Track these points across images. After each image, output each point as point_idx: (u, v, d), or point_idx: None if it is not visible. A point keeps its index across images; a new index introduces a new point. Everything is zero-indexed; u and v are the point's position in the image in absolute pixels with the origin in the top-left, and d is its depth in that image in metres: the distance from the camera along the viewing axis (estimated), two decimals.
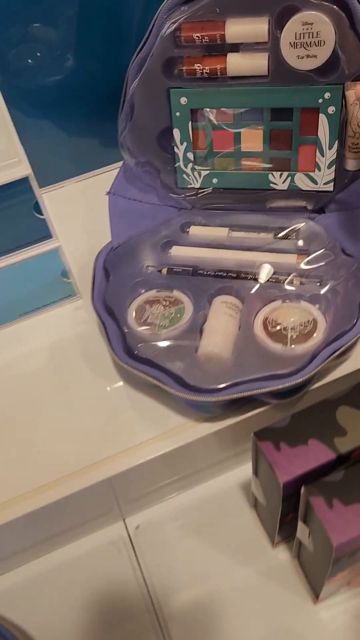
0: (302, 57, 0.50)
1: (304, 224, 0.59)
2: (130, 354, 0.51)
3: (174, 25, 0.50)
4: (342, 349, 0.48)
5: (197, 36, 0.51)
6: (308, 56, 0.49)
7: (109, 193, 0.61)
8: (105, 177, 0.74)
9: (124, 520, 0.55)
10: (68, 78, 0.69)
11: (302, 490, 0.37)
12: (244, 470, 0.56)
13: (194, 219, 0.61)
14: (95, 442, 0.50)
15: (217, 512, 0.54)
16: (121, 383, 0.54)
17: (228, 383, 0.47)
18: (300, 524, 0.41)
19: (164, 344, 0.51)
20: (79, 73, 0.69)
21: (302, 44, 0.49)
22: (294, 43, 0.49)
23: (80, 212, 0.70)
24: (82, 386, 0.54)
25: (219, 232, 0.60)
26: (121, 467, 0.48)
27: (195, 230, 0.60)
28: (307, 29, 0.48)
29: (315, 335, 0.49)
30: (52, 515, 0.49)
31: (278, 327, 0.51)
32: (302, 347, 0.49)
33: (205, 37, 0.51)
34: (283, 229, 0.58)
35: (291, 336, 0.50)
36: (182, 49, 0.52)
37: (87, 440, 0.51)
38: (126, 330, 0.52)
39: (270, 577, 0.50)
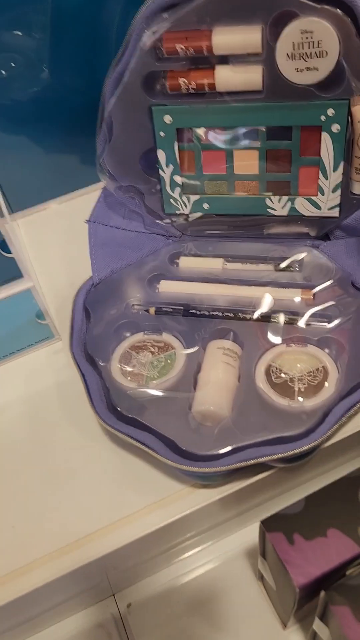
0: (302, 70, 0.43)
1: (307, 253, 0.52)
2: (114, 411, 0.44)
3: (155, 36, 0.44)
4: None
5: (180, 47, 0.45)
6: (308, 69, 0.43)
7: (88, 221, 0.55)
8: (88, 198, 0.67)
9: (113, 595, 0.49)
10: (43, 91, 0.63)
11: (322, 595, 0.31)
12: (248, 533, 0.50)
13: (184, 248, 0.55)
14: (78, 515, 0.44)
15: (220, 584, 0.48)
16: (107, 441, 0.47)
17: (228, 448, 0.41)
18: (318, 622, 0.35)
19: (152, 399, 0.45)
20: (54, 85, 0.63)
21: (301, 55, 0.43)
22: (292, 54, 0.43)
23: (61, 239, 0.64)
24: (62, 447, 0.48)
25: (213, 264, 0.53)
26: (108, 547, 0.42)
27: (185, 262, 0.54)
28: (307, 37, 0.42)
29: (326, 386, 0.43)
30: (26, 603, 0.42)
31: (283, 377, 0.44)
32: (312, 402, 0.42)
33: (190, 49, 0.44)
34: (284, 259, 0.52)
35: (299, 388, 0.43)
36: (164, 62, 0.46)
37: (69, 512, 0.44)
38: (109, 383, 0.46)
39: None
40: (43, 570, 0.41)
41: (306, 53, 0.43)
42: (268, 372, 0.45)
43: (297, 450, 0.39)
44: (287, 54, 0.43)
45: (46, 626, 0.47)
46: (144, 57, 0.45)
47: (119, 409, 0.44)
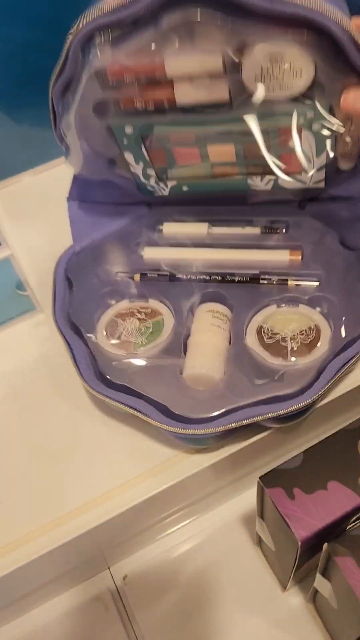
0: (274, 89, 0.39)
1: (294, 214, 0.51)
2: (103, 379, 0.43)
3: (96, 73, 0.39)
4: (354, 359, 0.41)
5: (128, 77, 0.40)
6: (281, 88, 0.39)
7: (68, 199, 0.53)
8: (62, 169, 0.65)
9: (109, 568, 0.48)
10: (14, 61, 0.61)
11: (325, 547, 0.30)
12: (244, 499, 0.49)
13: (167, 215, 0.53)
14: (69, 485, 0.43)
15: (216, 551, 0.47)
16: (96, 411, 0.46)
17: (221, 410, 0.40)
18: (319, 577, 0.35)
19: (141, 365, 0.43)
20: (29, 55, 0.61)
21: (272, 77, 0.38)
22: (261, 76, 0.38)
23: (40, 209, 0.62)
24: (51, 418, 0.46)
25: (198, 229, 0.52)
26: (102, 516, 0.41)
27: (169, 228, 0.53)
28: (276, 61, 0.37)
29: (319, 345, 0.42)
30: (21, 578, 0.41)
31: (275, 338, 0.43)
32: (305, 360, 0.42)
33: (140, 75, 0.40)
34: (271, 221, 0.51)
35: (292, 348, 0.43)
36: (113, 89, 0.41)
37: (60, 484, 0.43)
38: (96, 351, 0.44)
39: (282, 627, 0.43)
40: (36, 543, 0.40)
41: (277, 75, 0.38)
42: (259, 333, 0.44)
43: (292, 408, 0.39)
44: (256, 76, 0.38)
45: (44, 601, 0.46)
46: (88, 87, 0.40)
47: (108, 376, 0.43)
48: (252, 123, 0.41)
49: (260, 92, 0.39)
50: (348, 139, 0.42)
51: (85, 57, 0.39)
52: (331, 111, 0.41)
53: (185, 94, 0.41)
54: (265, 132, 0.42)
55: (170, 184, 0.50)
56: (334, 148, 0.44)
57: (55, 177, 0.64)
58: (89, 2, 0.40)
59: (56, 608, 0.46)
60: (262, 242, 0.50)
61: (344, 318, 0.43)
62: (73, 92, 0.41)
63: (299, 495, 0.32)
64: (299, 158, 0.44)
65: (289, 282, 0.46)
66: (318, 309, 0.45)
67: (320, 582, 0.35)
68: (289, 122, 0.41)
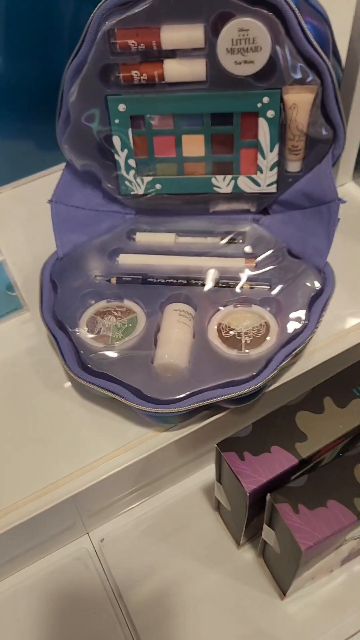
0: (240, 63, 0.50)
1: (249, 227, 0.59)
2: (85, 368, 0.50)
3: (109, 32, 0.49)
4: (296, 350, 0.49)
5: (132, 43, 0.50)
6: (245, 62, 0.50)
7: (50, 201, 0.59)
8: (45, 181, 0.72)
9: (88, 534, 0.54)
10: None
11: (268, 497, 0.38)
12: (205, 473, 0.57)
13: (140, 226, 0.61)
14: (54, 460, 0.50)
15: (181, 517, 0.54)
16: (77, 397, 0.53)
17: (186, 393, 0.47)
18: (265, 527, 0.42)
19: (118, 356, 0.50)
20: (9, 73, 0.67)
21: (239, 50, 0.49)
22: (231, 49, 0.49)
23: (21, 220, 0.68)
24: (37, 403, 0.53)
25: (166, 238, 0.59)
26: (82, 485, 0.48)
27: (141, 237, 0.60)
28: (243, 35, 0.48)
29: (268, 338, 0.50)
30: (12, 539, 0.48)
31: (232, 333, 0.51)
32: (256, 351, 0.49)
33: (141, 44, 0.50)
34: (229, 232, 0.59)
35: (245, 341, 0.50)
36: (118, 56, 0.51)
37: (45, 459, 0.50)
38: (79, 344, 0.51)
39: (238, 577, 0.51)
40: (24, 510, 0.47)
41: (243, 48, 0.49)
42: (219, 329, 0.52)
43: (246, 390, 0.46)
44: (227, 49, 0.49)
45: (31, 563, 0.53)
46: (100, 51, 0.51)
47: (89, 366, 0.50)
48: (221, 101, 0.53)
49: (229, 64, 0.50)
50: (295, 130, 0.52)
51: (100, 35, 0.50)
52: (282, 102, 0.52)
53: (172, 70, 0.51)
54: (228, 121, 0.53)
55: (146, 180, 0.58)
56: (283, 141, 0.54)
57: (37, 189, 0.70)
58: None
59: (42, 567, 0.52)
60: (222, 251, 0.58)
61: (289, 316, 0.51)
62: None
63: (248, 457, 0.39)
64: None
65: (244, 286, 0.54)
66: (268, 308, 0.53)
67: (266, 532, 0.43)
68: (249, 105, 0.52)
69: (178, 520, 0.54)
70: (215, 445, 0.41)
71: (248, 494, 0.38)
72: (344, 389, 0.42)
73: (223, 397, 0.46)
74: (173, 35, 0.50)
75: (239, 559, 0.52)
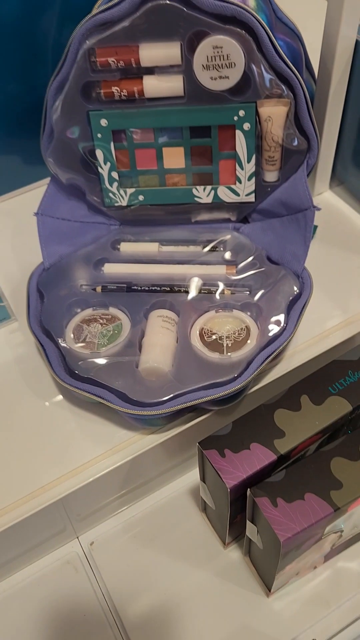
0: (215, 79, 0.52)
1: (230, 235, 0.61)
2: (72, 374, 0.51)
3: (89, 51, 0.51)
4: (276, 352, 0.51)
5: (112, 60, 0.52)
6: (220, 77, 0.52)
7: (36, 214, 0.61)
8: (31, 195, 0.74)
9: (77, 538, 0.55)
10: None
11: (248, 492, 0.40)
12: (191, 476, 0.58)
13: (124, 236, 0.63)
14: (43, 465, 0.51)
15: (169, 519, 0.55)
16: (64, 403, 0.54)
17: (170, 395, 0.49)
18: (248, 524, 0.44)
19: (104, 361, 0.52)
20: None
21: (214, 66, 0.51)
22: (206, 65, 0.51)
23: (8, 233, 0.70)
24: (25, 409, 0.54)
25: (150, 248, 0.61)
26: (70, 488, 0.49)
27: (125, 247, 0.62)
28: (218, 52, 0.50)
29: (249, 342, 0.52)
30: (3, 543, 0.49)
31: (214, 337, 0.53)
32: (237, 354, 0.51)
33: (121, 62, 0.52)
34: (211, 241, 0.61)
35: (227, 344, 0.52)
36: (99, 74, 0.53)
37: (34, 464, 0.51)
38: (65, 351, 0.52)
39: (225, 576, 0.52)
40: (14, 513, 0.48)
41: (218, 64, 0.51)
42: (201, 334, 0.53)
43: (227, 391, 0.48)
44: (203, 65, 0.51)
45: (19, 569, 0.54)
46: (81, 69, 0.53)
47: (76, 372, 0.51)
48: (199, 115, 0.55)
49: (205, 79, 0.52)
50: (270, 142, 0.54)
51: (81, 54, 0.52)
52: (257, 115, 0.54)
53: (151, 86, 0.53)
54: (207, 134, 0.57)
55: (129, 191, 0.60)
56: (260, 152, 0.56)
57: (24, 203, 0.72)
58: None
59: (34, 571, 0.53)
60: (204, 259, 0.60)
61: (268, 320, 0.53)
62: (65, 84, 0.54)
63: (229, 454, 0.41)
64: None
65: (225, 292, 0.56)
66: (248, 313, 0.55)
67: (249, 529, 0.44)
68: (226, 119, 0.54)
69: (166, 523, 0.55)
70: (197, 443, 0.42)
71: (229, 489, 0.40)
72: (319, 387, 0.44)
73: (206, 399, 0.48)
74: (151, 52, 0.52)
75: (225, 558, 0.53)
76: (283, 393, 0.44)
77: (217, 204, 0.61)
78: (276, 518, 0.38)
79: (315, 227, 0.66)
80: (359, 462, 0.40)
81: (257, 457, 0.40)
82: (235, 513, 0.45)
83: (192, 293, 0.56)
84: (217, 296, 0.56)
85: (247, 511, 0.42)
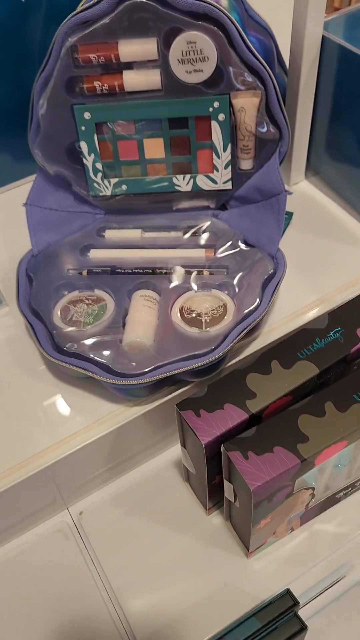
0: (190, 72, 0.56)
1: (209, 222, 0.65)
2: (59, 350, 0.54)
3: (72, 48, 0.55)
4: (250, 326, 0.54)
5: (93, 57, 0.56)
6: (195, 71, 0.55)
7: (25, 204, 0.64)
8: (19, 190, 0.77)
9: (67, 509, 0.58)
10: None
11: (222, 448, 0.43)
12: (174, 450, 0.61)
13: (109, 224, 0.66)
14: (33, 437, 0.54)
15: (154, 490, 0.58)
16: (53, 379, 0.57)
17: (151, 367, 0.52)
18: (225, 483, 0.47)
19: (89, 338, 0.55)
20: None
21: (189, 60, 0.55)
22: (182, 60, 0.55)
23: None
24: (16, 387, 0.57)
25: (133, 234, 0.64)
26: (58, 456, 0.52)
27: (110, 234, 0.65)
28: (192, 47, 0.54)
29: (226, 317, 0.55)
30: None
31: (193, 314, 0.56)
32: (215, 329, 0.54)
33: (101, 57, 0.56)
34: (191, 227, 0.64)
35: (205, 320, 0.55)
36: (81, 69, 0.57)
37: (25, 436, 0.54)
38: (54, 331, 0.56)
39: (207, 540, 0.55)
40: (6, 479, 0.51)
41: (192, 59, 0.55)
42: (181, 312, 0.57)
43: (205, 361, 0.51)
44: (178, 60, 0.55)
45: (16, 537, 0.56)
46: (65, 65, 0.56)
47: (64, 348, 0.54)
48: (176, 107, 0.59)
49: (181, 73, 0.55)
50: (244, 131, 0.58)
51: (64, 51, 0.55)
52: (231, 106, 0.57)
53: (130, 80, 0.57)
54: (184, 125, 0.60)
55: (113, 181, 0.63)
56: (235, 141, 0.59)
57: (12, 198, 0.76)
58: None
59: (26, 540, 0.56)
60: (184, 243, 0.63)
61: (243, 298, 0.56)
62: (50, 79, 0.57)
63: (204, 414, 0.44)
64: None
65: (204, 272, 0.59)
66: (226, 291, 0.58)
67: (227, 488, 0.47)
68: (202, 110, 0.58)
69: (151, 493, 0.58)
70: (175, 406, 0.45)
71: (204, 445, 0.43)
72: (289, 353, 0.47)
73: (185, 369, 0.51)
74: (129, 48, 0.55)
75: (207, 524, 0.56)
76: (255, 359, 0.47)
77: (197, 192, 0.64)
78: (247, 469, 0.41)
79: (291, 213, 0.70)
80: (324, 419, 0.43)
81: (230, 416, 0.44)
82: (212, 473, 0.47)
83: (173, 274, 0.59)
84: (197, 277, 0.59)
85: (223, 469, 0.45)
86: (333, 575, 0.58)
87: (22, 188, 0.76)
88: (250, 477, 0.40)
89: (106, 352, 0.53)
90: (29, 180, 0.76)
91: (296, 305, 0.61)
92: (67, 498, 0.58)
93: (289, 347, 0.47)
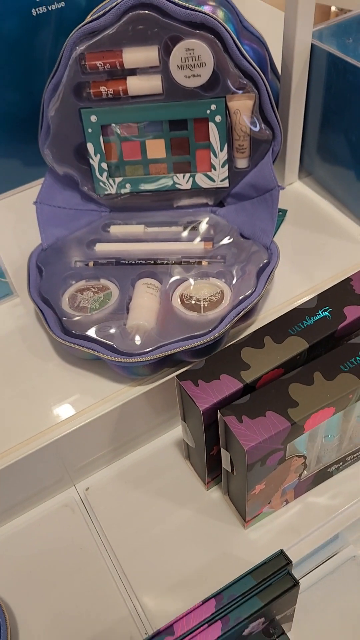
0: (189, 77, 0.60)
1: (207, 217, 0.69)
2: (67, 333, 0.58)
3: (80, 56, 0.60)
4: (246, 309, 0.58)
5: (99, 64, 0.60)
6: (193, 75, 0.60)
7: (35, 202, 0.69)
8: (30, 192, 0.82)
9: (74, 486, 0.62)
10: None
11: (218, 414, 0.46)
12: (176, 431, 0.64)
13: (113, 220, 0.70)
14: (41, 415, 0.57)
15: (157, 468, 0.62)
16: (61, 362, 0.61)
17: (153, 347, 0.56)
18: (223, 452, 0.50)
19: (95, 322, 0.59)
20: None
21: (187, 66, 0.59)
22: (181, 65, 0.60)
23: (10, 225, 0.77)
24: (27, 369, 0.61)
25: (136, 229, 0.69)
26: (65, 430, 0.55)
27: (115, 229, 0.69)
28: (190, 54, 0.59)
29: (223, 302, 0.59)
30: (4, 484, 0.55)
31: (192, 300, 0.60)
32: (213, 312, 0.58)
33: (107, 64, 0.60)
34: (191, 222, 0.68)
35: (204, 305, 0.59)
36: (88, 75, 0.61)
37: (34, 414, 0.57)
38: (62, 314, 0.59)
39: (206, 513, 0.58)
40: (16, 453, 0.54)
41: (191, 64, 0.59)
42: (181, 298, 0.60)
43: (203, 341, 0.55)
44: (178, 66, 0.60)
45: (21, 513, 0.60)
46: (73, 71, 0.61)
47: (72, 331, 0.58)
48: (176, 109, 0.63)
49: (180, 78, 0.60)
50: (240, 132, 0.62)
51: (72, 59, 0.60)
52: (227, 109, 0.62)
53: (134, 85, 0.61)
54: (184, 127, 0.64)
55: (117, 180, 0.67)
56: (231, 141, 0.63)
57: (23, 200, 0.80)
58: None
59: (35, 514, 0.59)
60: (185, 237, 0.67)
61: (240, 285, 0.60)
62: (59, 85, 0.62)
63: (202, 384, 0.48)
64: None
65: (203, 262, 0.63)
66: (223, 279, 0.62)
67: (224, 457, 0.51)
68: (200, 112, 0.62)
69: (153, 471, 0.62)
70: (175, 377, 0.49)
71: (202, 412, 0.46)
72: (281, 329, 0.51)
73: (184, 347, 0.55)
74: (133, 56, 0.60)
75: (207, 498, 0.59)
76: (249, 335, 0.51)
77: (196, 190, 0.68)
78: (242, 432, 0.44)
79: (285, 211, 0.74)
80: (313, 386, 0.46)
81: (226, 385, 0.47)
82: (210, 444, 0.51)
83: (174, 266, 0.64)
84: (196, 267, 0.63)
85: (220, 438, 0.49)
86: (327, 550, 0.61)
87: (33, 190, 0.81)
88: (245, 439, 0.44)
89: (111, 334, 0.57)
90: (38, 183, 0.81)
91: (290, 294, 0.65)
92: (73, 475, 0.61)
93: (281, 325, 0.51)
